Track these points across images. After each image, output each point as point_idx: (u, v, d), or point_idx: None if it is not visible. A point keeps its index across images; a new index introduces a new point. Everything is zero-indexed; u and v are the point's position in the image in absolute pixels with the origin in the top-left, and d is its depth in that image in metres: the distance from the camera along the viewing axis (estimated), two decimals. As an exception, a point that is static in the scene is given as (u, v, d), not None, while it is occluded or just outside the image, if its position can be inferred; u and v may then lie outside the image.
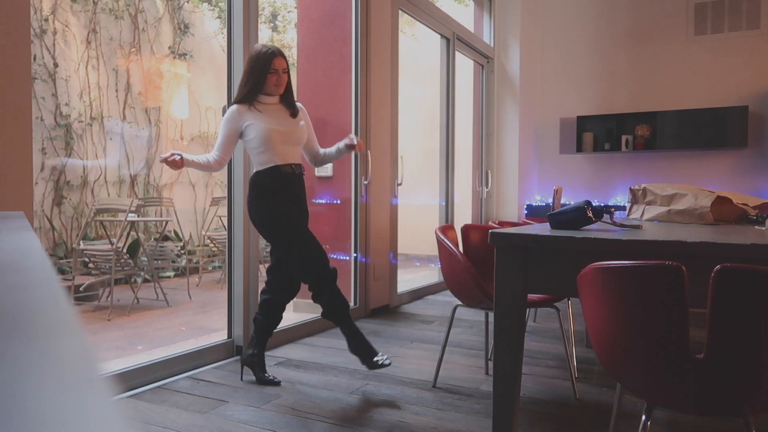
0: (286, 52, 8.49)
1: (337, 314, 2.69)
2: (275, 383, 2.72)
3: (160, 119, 6.77)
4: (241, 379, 2.77)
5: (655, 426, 2.27)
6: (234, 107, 2.67)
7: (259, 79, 2.62)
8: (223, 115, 2.76)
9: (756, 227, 2.21)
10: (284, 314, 2.88)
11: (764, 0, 5.89)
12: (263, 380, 2.73)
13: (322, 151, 2.94)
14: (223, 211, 5.94)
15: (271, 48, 2.64)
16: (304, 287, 2.79)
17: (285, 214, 2.63)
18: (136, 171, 6.46)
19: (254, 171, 2.70)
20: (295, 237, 2.65)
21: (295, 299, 4.46)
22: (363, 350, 2.67)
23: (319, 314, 3.87)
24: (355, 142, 2.80)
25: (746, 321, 1.28)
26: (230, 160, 3.21)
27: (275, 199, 2.63)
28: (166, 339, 3.89)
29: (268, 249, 7.04)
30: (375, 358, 2.64)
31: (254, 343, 2.80)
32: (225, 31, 4.44)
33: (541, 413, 2.42)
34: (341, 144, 2.85)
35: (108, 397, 0.23)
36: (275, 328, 2.86)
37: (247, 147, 2.72)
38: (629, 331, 1.40)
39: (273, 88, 2.65)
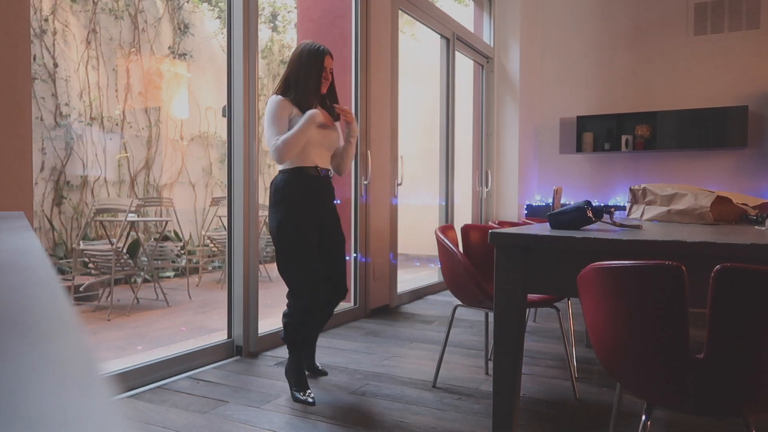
0: (286, 53, 8.51)
1: (291, 347, 2.62)
2: (323, 373, 2.83)
3: (160, 119, 6.77)
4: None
5: (655, 426, 2.27)
6: (279, 98, 2.53)
7: (313, 78, 2.54)
8: (223, 116, 2.75)
9: (756, 227, 2.21)
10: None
11: (764, 0, 5.89)
12: (314, 370, 2.83)
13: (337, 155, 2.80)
14: (222, 211, 5.94)
15: (322, 46, 2.58)
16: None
17: (296, 229, 2.50)
18: (135, 171, 6.46)
19: (279, 171, 2.60)
20: (293, 259, 2.52)
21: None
22: (294, 379, 2.59)
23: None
24: (348, 119, 2.65)
25: (746, 321, 1.27)
26: (230, 159, 3.21)
27: (294, 207, 2.51)
28: (166, 339, 3.89)
29: (267, 249, 7.05)
30: (300, 393, 2.53)
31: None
32: (225, 31, 4.44)
33: (541, 413, 2.42)
34: (345, 138, 2.73)
35: (108, 397, 0.23)
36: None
37: None
38: (629, 331, 1.40)
39: (320, 87, 2.59)
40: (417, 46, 7.77)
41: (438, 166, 5.71)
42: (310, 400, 2.50)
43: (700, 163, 6.22)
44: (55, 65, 5.69)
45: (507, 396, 1.86)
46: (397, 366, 3.04)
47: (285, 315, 2.60)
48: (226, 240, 3.25)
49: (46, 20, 5.65)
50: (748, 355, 1.29)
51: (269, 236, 7.07)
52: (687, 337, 1.32)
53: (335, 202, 2.72)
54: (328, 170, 2.66)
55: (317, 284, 2.54)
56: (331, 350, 3.31)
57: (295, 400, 2.51)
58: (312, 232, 2.56)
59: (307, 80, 2.54)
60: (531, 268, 1.81)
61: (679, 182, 6.15)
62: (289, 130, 2.50)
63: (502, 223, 3.35)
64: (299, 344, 2.61)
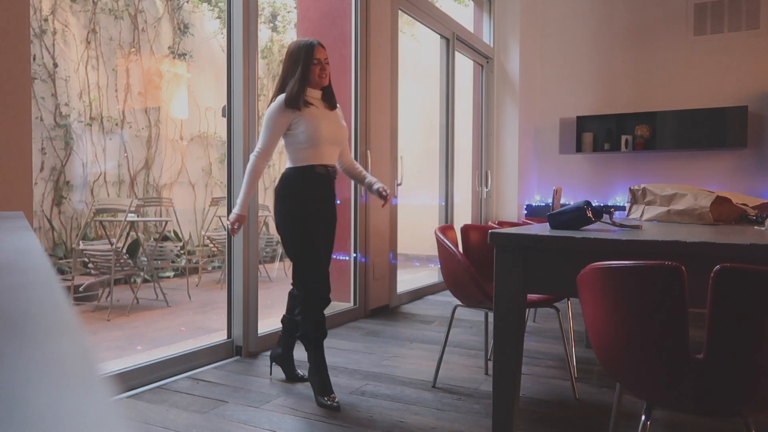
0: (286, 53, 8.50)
1: (309, 342, 2.56)
2: (304, 380, 2.72)
3: (160, 119, 6.77)
4: (270, 374, 2.83)
5: (655, 426, 2.27)
6: (281, 100, 2.52)
7: (305, 71, 2.51)
8: (223, 116, 2.75)
9: (755, 227, 2.21)
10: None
11: (764, 0, 5.89)
12: (294, 377, 2.77)
13: (356, 165, 2.81)
14: (222, 211, 5.95)
15: (311, 40, 2.56)
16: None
17: (305, 223, 2.51)
18: (135, 171, 6.46)
19: (287, 167, 2.57)
20: (303, 251, 2.52)
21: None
22: (318, 383, 2.52)
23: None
24: (385, 196, 2.66)
25: (746, 321, 1.27)
26: (230, 159, 3.21)
27: (302, 203, 2.51)
28: (166, 339, 3.89)
29: (267, 249, 7.05)
30: (324, 398, 2.47)
31: (281, 342, 2.81)
32: (225, 31, 4.44)
33: (541, 413, 2.42)
34: (375, 185, 2.70)
35: (108, 397, 0.23)
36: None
37: (287, 141, 2.56)
38: (629, 331, 1.40)
39: (317, 79, 2.54)
40: (417, 46, 7.77)
41: (438, 166, 5.71)
42: (335, 404, 2.44)
43: (699, 163, 6.22)
44: (55, 65, 5.69)
45: (507, 396, 1.86)
46: (397, 366, 3.03)
47: (300, 312, 2.58)
48: (226, 240, 3.25)
49: (46, 20, 5.64)
50: (748, 355, 1.29)
51: (269, 236, 7.09)
52: (687, 337, 1.32)
53: (336, 202, 2.71)
54: (335, 168, 2.65)
55: (326, 275, 2.57)
56: (330, 350, 3.31)
57: (320, 405, 2.46)
58: (319, 229, 2.55)
59: (293, 76, 2.53)
60: (531, 268, 1.81)
61: (679, 182, 6.15)
62: (293, 130, 2.50)
63: (501, 223, 3.35)
64: (319, 340, 2.56)
